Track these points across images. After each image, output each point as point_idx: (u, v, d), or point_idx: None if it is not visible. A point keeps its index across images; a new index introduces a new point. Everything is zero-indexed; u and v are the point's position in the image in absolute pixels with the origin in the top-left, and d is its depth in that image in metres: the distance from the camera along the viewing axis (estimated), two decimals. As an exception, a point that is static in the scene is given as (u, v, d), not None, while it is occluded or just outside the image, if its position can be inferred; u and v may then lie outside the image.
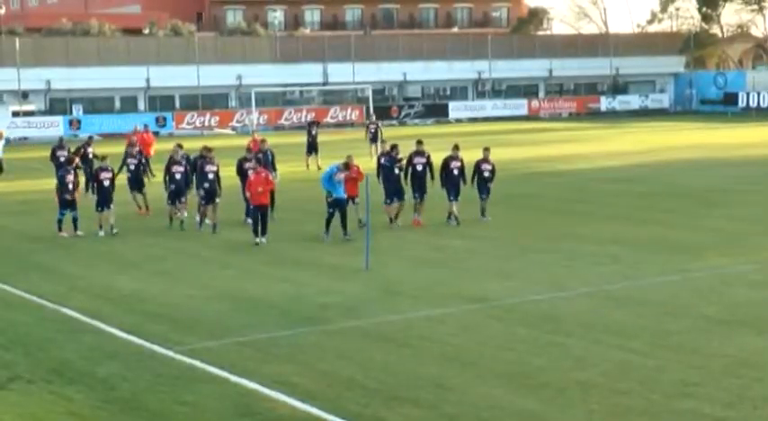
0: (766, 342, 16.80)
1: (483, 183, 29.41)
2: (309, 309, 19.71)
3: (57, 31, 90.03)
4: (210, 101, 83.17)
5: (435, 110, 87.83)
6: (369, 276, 22.52)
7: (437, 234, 27.62)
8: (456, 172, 29.01)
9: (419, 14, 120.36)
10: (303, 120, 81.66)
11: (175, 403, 14.27)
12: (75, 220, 28.57)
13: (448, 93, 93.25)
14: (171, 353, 16.81)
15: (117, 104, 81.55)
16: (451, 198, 28.89)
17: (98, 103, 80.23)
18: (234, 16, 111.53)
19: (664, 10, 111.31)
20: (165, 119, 74.90)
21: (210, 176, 28.60)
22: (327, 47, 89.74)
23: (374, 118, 52.43)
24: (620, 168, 44.85)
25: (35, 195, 38.96)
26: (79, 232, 28.53)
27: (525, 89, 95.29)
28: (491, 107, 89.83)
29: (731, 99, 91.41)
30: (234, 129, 78.39)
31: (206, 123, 77.98)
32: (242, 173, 29.32)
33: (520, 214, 31.42)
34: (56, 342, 17.79)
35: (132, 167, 32.44)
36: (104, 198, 28.60)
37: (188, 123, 76.04)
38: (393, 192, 28.90)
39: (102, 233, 28.51)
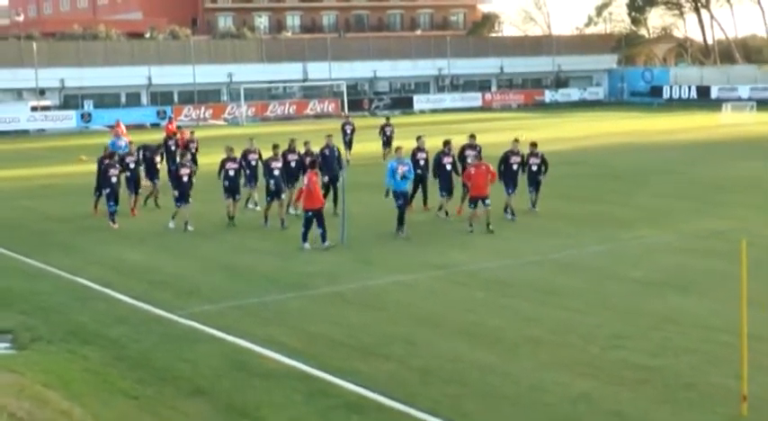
0: (686, 300, 16.97)
1: (532, 176, 26.45)
2: (295, 277, 19.72)
3: (69, 35, 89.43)
4: (205, 96, 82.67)
5: (401, 102, 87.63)
6: (347, 249, 22.50)
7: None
8: (515, 167, 25.93)
9: (387, 19, 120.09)
10: (286, 112, 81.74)
11: (178, 360, 14.28)
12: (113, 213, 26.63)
13: (412, 87, 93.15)
14: (174, 317, 16.82)
15: (123, 99, 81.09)
16: (510, 191, 25.83)
17: (106, 99, 79.74)
18: (225, 21, 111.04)
19: (599, 14, 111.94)
20: (165, 112, 74.37)
21: (276, 173, 25.51)
22: (307, 48, 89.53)
23: (389, 120, 42.82)
24: (563, 152, 44.80)
25: (55, 180, 38.88)
26: (115, 225, 26.46)
27: (480, 84, 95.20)
28: (450, 100, 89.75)
29: (657, 92, 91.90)
30: (225, 120, 78.16)
31: (201, 116, 77.61)
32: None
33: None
34: (72, 308, 17.77)
35: (232, 173, 26.37)
36: (183, 193, 25.61)
37: (185, 116, 75.54)
38: (445, 186, 26.14)
39: (172, 224, 25.94)
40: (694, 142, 48.87)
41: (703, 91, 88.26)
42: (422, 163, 26.85)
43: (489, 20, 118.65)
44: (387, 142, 40.65)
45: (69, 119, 73.92)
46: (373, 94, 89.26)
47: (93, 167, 29.58)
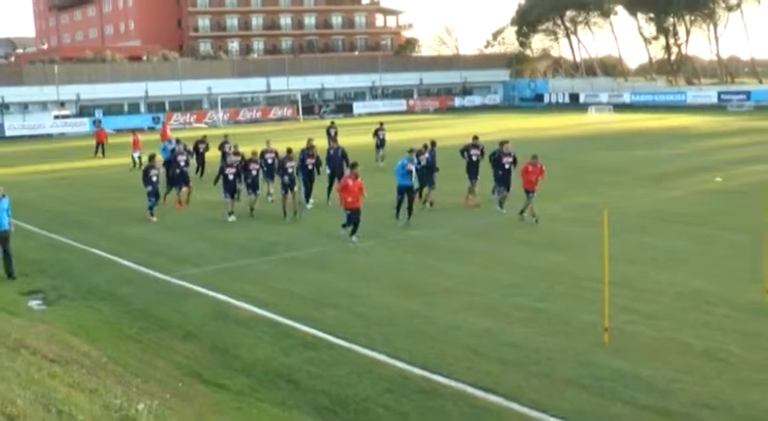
0: (564, 257, 17.16)
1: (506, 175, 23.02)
2: (263, 246, 19.61)
3: (83, 59, 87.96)
4: (190, 104, 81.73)
5: (344, 108, 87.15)
6: (303, 223, 22.42)
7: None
8: (507, 166, 22.84)
9: (332, 43, 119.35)
10: (254, 116, 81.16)
11: (173, 312, 14.17)
12: (152, 207, 23.98)
13: (352, 96, 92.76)
14: (169, 278, 16.66)
15: (125, 109, 79.99)
16: (502, 190, 23.12)
17: (112, 108, 78.55)
18: (204, 46, 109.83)
19: (495, 38, 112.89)
20: (158, 118, 73.57)
21: (290, 171, 23.38)
22: (269, 66, 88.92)
23: (383, 125, 38.97)
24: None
25: (73, 173, 38.13)
26: (154, 218, 23.81)
27: (404, 92, 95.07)
28: (382, 105, 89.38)
29: (539, 98, 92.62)
30: (206, 123, 77.22)
31: (187, 120, 76.81)
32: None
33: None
34: (89, 272, 17.52)
35: (255, 173, 24.02)
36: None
37: (174, 120, 74.65)
38: (431, 180, 24.22)
39: (233, 218, 23.36)
40: (568, 136, 49.38)
41: (574, 97, 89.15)
42: (419, 166, 24.74)
43: (411, 43, 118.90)
44: (380, 144, 36.34)
45: (84, 124, 72.79)
46: (322, 102, 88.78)
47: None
